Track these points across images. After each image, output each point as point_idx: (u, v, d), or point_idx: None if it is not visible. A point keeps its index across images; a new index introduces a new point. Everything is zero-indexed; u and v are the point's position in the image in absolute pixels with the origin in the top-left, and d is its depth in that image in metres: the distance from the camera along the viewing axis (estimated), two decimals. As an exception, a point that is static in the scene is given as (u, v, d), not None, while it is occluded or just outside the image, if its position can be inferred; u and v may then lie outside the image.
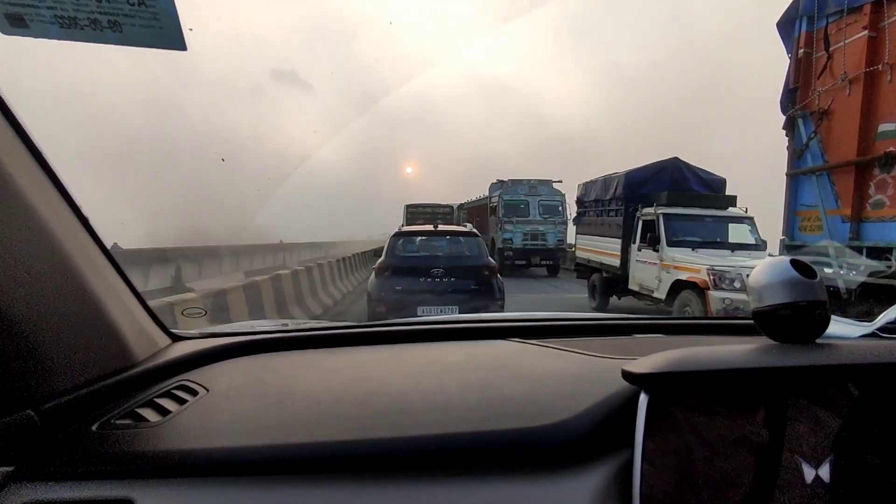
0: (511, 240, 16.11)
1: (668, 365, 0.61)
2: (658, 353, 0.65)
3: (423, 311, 5.43)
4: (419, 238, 6.50)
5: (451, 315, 2.39)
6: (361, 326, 1.13)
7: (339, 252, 20.84)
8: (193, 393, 0.76)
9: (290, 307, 7.38)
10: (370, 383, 0.80)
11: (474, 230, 6.78)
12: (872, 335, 0.90)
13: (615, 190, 8.75)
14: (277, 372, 0.87)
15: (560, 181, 17.19)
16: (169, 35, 0.77)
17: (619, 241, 8.52)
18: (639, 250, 7.94)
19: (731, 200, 7.93)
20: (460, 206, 23.73)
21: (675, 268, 6.92)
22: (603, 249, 9.29)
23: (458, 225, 16.90)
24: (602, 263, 9.28)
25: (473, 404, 0.70)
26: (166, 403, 0.71)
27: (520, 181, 16.95)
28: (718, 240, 7.39)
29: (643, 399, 0.59)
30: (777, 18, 6.12)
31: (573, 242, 16.96)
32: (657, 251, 7.32)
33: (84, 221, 0.71)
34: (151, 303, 0.87)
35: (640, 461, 0.56)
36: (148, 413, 0.68)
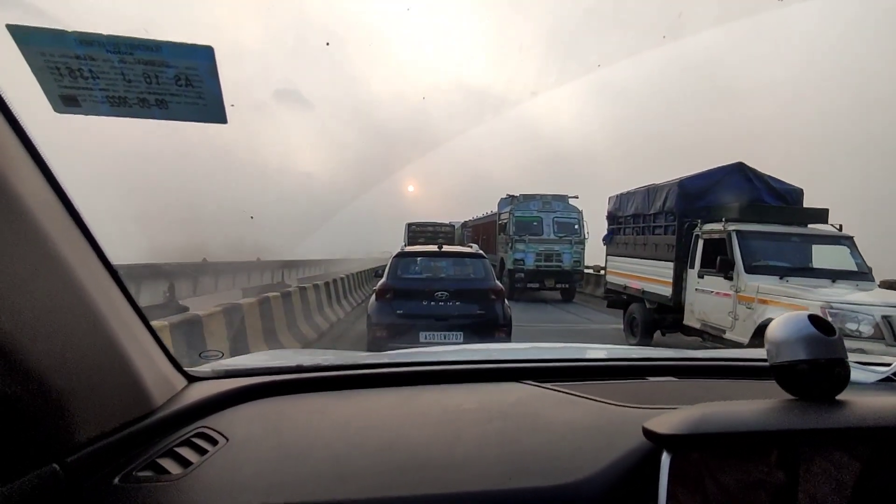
0: (523, 260, 14.42)
1: (690, 426, 0.62)
2: (678, 411, 0.67)
3: (425, 337, 5.09)
4: (422, 259, 5.97)
5: (459, 348, 2.16)
6: (372, 366, 1.12)
7: (336, 270, 20.50)
8: (213, 441, 0.75)
9: (255, 343, 5.72)
10: (386, 433, 0.80)
11: (480, 251, 6.19)
12: (888, 380, 0.98)
13: (664, 202, 7.08)
14: (294, 419, 0.87)
15: (576, 196, 15.63)
16: (212, 110, 0.86)
17: (671, 264, 6.83)
18: (700, 277, 6.27)
19: (822, 214, 6.22)
20: (464, 224, 22.44)
21: (762, 301, 5.23)
22: (646, 274, 7.58)
23: (461, 244, 16.24)
24: (644, 291, 7.57)
25: (492, 459, 0.70)
26: (186, 453, 0.71)
27: (532, 196, 15.31)
28: (812, 265, 5.72)
29: (665, 459, 0.61)
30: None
31: (589, 264, 15.78)
32: (730, 279, 5.64)
33: (102, 257, 0.69)
34: None
35: None
36: (168, 464, 0.68)
